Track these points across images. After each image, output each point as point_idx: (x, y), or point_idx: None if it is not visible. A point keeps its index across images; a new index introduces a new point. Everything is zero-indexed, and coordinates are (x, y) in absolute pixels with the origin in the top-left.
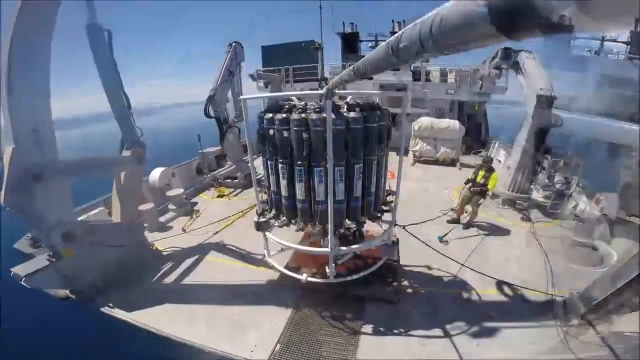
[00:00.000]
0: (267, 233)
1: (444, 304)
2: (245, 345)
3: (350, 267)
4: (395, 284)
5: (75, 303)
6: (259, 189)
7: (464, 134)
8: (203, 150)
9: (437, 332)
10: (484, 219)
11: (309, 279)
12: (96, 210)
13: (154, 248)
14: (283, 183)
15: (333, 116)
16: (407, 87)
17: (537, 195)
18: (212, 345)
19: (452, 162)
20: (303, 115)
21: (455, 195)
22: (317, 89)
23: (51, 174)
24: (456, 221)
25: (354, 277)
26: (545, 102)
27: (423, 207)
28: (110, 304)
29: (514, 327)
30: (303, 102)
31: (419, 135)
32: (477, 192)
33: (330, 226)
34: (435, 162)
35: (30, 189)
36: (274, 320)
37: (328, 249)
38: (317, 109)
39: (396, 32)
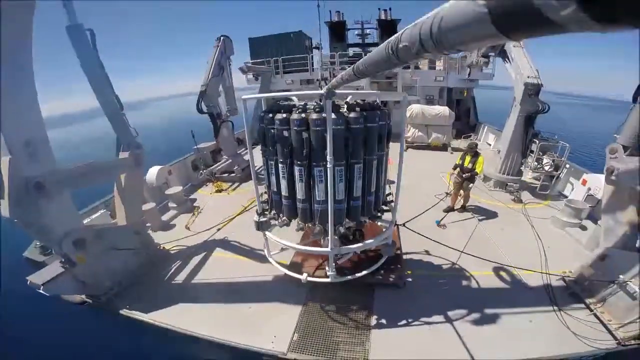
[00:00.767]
0: (267, 232)
1: (445, 286)
2: (265, 338)
3: (354, 260)
4: (400, 267)
5: (93, 307)
6: (257, 181)
7: (454, 120)
8: (198, 146)
9: (441, 312)
10: (477, 202)
11: (309, 278)
12: (98, 214)
13: (161, 248)
14: (283, 183)
15: (333, 116)
16: (398, 75)
17: (527, 177)
18: (234, 340)
19: (443, 147)
20: (303, 115)
21: (448, 179)
22: (308, 79)
23: (52, 184)
24: (451, 209)
25: (355, 276)
26: (533, 89)
27: (419, 192)
28: (128, 306)
29: (512, 309)
30: (303, 102)
31: (411, 123)
32: (468, 177)
33: (330, 226)
34: (428, 147)
35: (33, 200)
36: (287, 311)
37: (328, 249)
38: (317, 109)
39: (382, 19)
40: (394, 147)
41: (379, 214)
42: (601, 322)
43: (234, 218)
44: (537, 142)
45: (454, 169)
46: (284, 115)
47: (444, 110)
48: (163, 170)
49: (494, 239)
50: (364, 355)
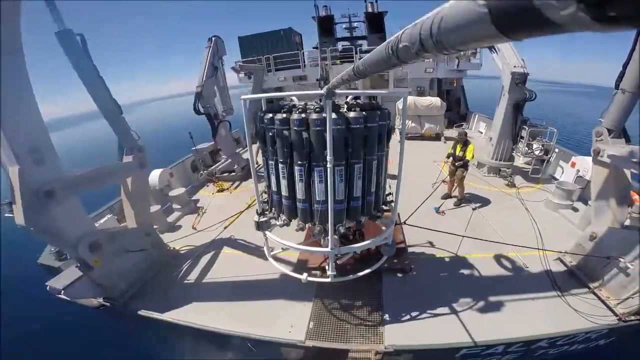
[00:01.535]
0: (267, 232)
1: (448, 270)
2: (282, 328)
3: (357, 257)
4: (405, 254)
5: (110, 310)
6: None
7: (446, 110)
8: (196, 147)
9: (447, 294)
10: (473, 188)
11: (310, 278)
12: (105, 219)
13: (170, 248)
14: (283, 183)
15: (333, 116)
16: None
17: (519, 162)
18: (253, 332)
19: (436, 137)
20: (303, 115)
21: (444, 167)
22: (300, 76)
23: (62, 190)
24: (448, 196)
25: (356, 275)
26: (519, 78)
27: (416, 182)
28: (145, 307)
29: (513, 289)
30: (303, 102)
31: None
32: (461, 165)
33: (330, 226)
34: (421, 137)
35: (45, 207)
36: (301, 302)
37: (328, 249)
38: (317, 109)
39: (369, 12)
40: (393, 141)
41: (379, 214)
42: (600, 299)
43: (239, 215)
44: (527, 128)
45: (447, 157)
46: (284, 115)
47: (435, 100)
48: (165, 172)
49: (491, 223)
50: (380, 339)
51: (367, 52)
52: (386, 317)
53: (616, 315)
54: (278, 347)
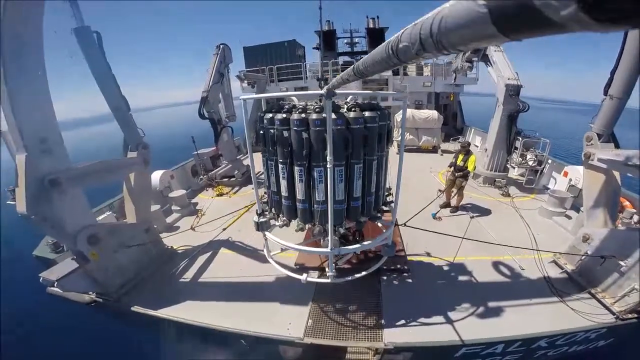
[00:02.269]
0: (267, 233)
1: (446, 272)
2: (281, 326)
3: (356, 258)
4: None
5: (102, 307)
6: (257, 185)
7: (443, 123)
8: (198, 152)
9: (445, 295)
10: (469, 197)
11: (309, 279)
12: (104, 215)
13: (168, 247)
14: (283, 183)
15: (333, 116)
16: (388, 82)
17: (513, 173)
18: (250, 329)
19: (433, 149)
20: (303, 115)
21: (441, 178)
22: (302, 87)
23: (67, 181)
24: (447, 205)
25: (355, 276)
26: (513, 90)
27: (414, 192)
28: (138, 303)
29: (511, 290)
30: (303, 102)
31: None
32: (461, 175)
33: (330, 226)
34: (418, 149)
35: (49, 196)
36: (299, 301)
37: (328, 249)
38: (317, 109)
39: (370, 28)
40: (391, 154)
41: (379, 215)
42: (596, 298)
43: (238, 217)
44: (520, 139)
45: (450, 167)
46: (284, 115)
47: (432, 113)
48: (166, 174)
49: (487, 229)
50: (379, 338)
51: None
52: (385, 316)
53: (613, 313)
54: (276, 345)
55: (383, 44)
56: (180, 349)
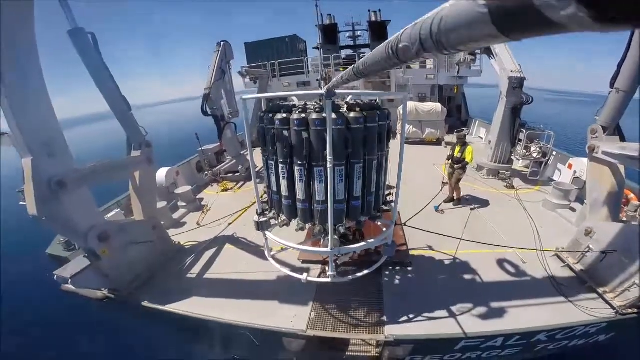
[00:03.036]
0: (267, 232)
1: (448, 266)
2: (284, 319)
3: (356, 258)
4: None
5: (114, 302)
6: (258, 180)
7: (446, 116)
8: (202, 148)
9: (447, 288)
10: (472, 189)
11: (310, 279)
12: (113, 213)
13: (176, 243)
14: (283, 183)
15: (333, 116)
16: (391, 75)
17: (517, 164)
18: (256, 322)
19: (437, 142)
20: (303, 115)
21: (444, 170)
22: (304, 82)
23: (73, 181)
24: (451, 199)
25: (355, 276)
26: (517, 82)
27: (417, 185)
28: (149, 299)
29: (512, 284)
30: (303, 102)
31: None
32: (459, 167)
33: (330, 226)
34: (422, 142)
35: (57, 197)
36: (302, 295)
37: (328, 249)
38: (317, 109)
39: (372, 21)
40: (394, 145)
41: (379, 214)
42: (597, 293)
43: (243, 212)
44: (525, 131)
45: (447, 159)
46: (284, 115)
47: (436, 106)
48: (171, 171)
49: (490, 223)
50: (381, 330)
51: None
52: (386, 309)
53: (614, 308)
54: (280, 338)
55: (383, 44)
56: (189, 342)
